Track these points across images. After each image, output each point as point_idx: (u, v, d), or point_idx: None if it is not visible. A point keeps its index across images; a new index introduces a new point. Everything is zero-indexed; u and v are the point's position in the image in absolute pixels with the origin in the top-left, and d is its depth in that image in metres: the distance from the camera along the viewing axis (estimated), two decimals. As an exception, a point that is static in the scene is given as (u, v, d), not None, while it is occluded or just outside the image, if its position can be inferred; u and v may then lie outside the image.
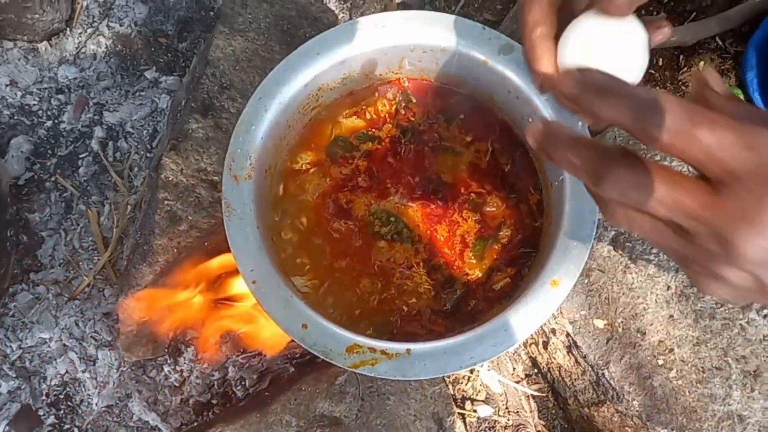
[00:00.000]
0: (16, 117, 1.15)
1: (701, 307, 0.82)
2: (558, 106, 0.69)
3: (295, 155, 0.76)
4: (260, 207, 0.70)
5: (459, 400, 0.92)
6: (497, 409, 0.93)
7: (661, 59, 1.14)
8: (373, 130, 0.76)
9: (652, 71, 1.14)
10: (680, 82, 1.13)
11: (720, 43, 1.14)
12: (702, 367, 0.80)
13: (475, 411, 0.92)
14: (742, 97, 1.11)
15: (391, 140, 0.76)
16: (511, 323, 0.64)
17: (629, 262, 0.84)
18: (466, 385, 0.94)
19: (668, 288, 0.83)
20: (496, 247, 0.74)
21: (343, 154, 0.76)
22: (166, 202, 0.83)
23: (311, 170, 0.75)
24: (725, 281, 0.38)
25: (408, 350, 0.65)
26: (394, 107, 0.77)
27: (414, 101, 0.77)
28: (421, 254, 0.74)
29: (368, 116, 0.77)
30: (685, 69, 1.13)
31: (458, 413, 0.85)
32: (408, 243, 0.74)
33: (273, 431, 0.79)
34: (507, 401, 0.94)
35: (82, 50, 1.19)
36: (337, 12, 1.13)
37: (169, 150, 0.83)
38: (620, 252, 0.85)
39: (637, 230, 0.41)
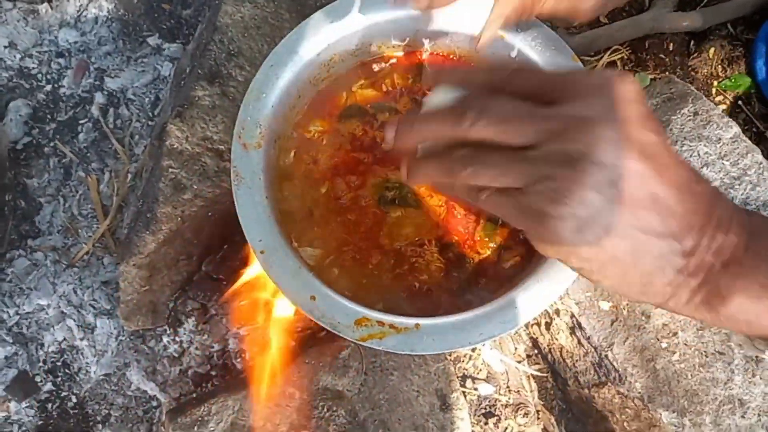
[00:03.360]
0: (14, 80, 1.13)
1: (706, 291, 0.82)
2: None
3: (306, 124, 0.74)
4: (269, 176, 0.69)
5: (460, 378, 0.92)
6: (498, 387, 0.93)
7: (672, 44, 1.13)
8: (390, 102, 0.75)
9: (663, 56, 1.13)
10: (690, 68, 1.12)
11: (731, 29, 1.13)
12: (705, 352, 0.80)
13: (476, 389, 0.92)
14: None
15: (407, 113, 0.75)
16: (521, 301, 0.64)
17: (636, 245, 0.84)
18: (467, 363, 0.94)
19: (674, 272, 0.83)
20: (508, 227, 0.73)
21: (358, 123, 0.74)
22: (170, 169, 0.82)
23: (323, 139, 0.74)
24: (572, 207, 0.39)
25: (417, 325, 0.64)
26: (410, 80, 0.76)
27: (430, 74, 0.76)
28: (432, 231, 0.73)
29: (384, 88, 0.76)
30: (696, 54, 1.13)
31: (460, 387, 0.85)
32: (414, 208, 0.73)
33: (276, 402, 0.79)
34: (508, 380, 0.94)
35: (84, 13, 1.16)
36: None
37: (174, 117, 0.82)
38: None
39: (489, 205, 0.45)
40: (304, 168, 0.74)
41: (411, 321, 0.64)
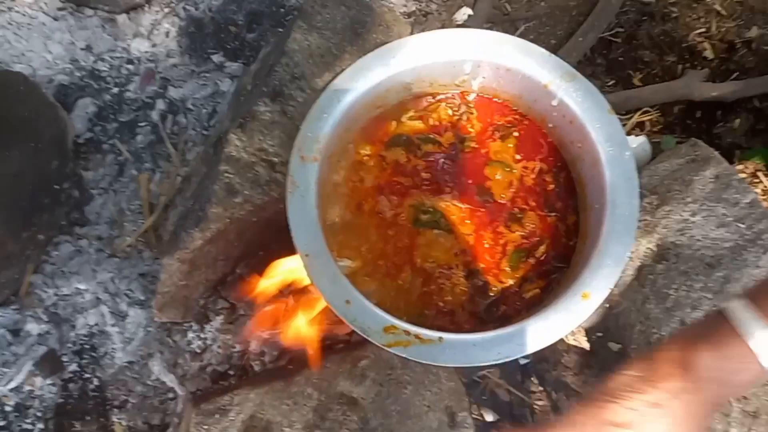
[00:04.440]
0: (85, 80, 1.22)
1: (713, 345, 0.86)
2: (609, 134, 0.74)
3: (358, 146, 0.81)
4: (320, 189, 0.76)
5: (469, 402, 0.96)
6: (502, 416, 0.97)
7: (699, 112, 1.19)
8: (435, 135, 0.82)
9: (689, 122, 1.19)
10: (715, 136, 1.19)
11: (758, 104, 1.20)
12: (707, 402, 0.84)
13: (481, 415, 0.96)
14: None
15: (450, 146, 0.82)
16: (540, 327, 0.69)
17: (650, 293, 0.89)
18: (476, 389, 0.98)
19: (682, 323, 0.87)
20: (531, 261, 0.79)
21: (403, 151, 0.81)
22: (226, 174, 0.89)
23: (371, 161, 0.81)
24: None
25: (440, 338, 0.69)
26: (456, 117, 0.83)
27: (475, 114, 0.83)
28: (460, 257, 0.79)
29: (431, 122, 0.83)
30: (722, 124, 1.19)
31: (468, 409, 0.89)
32: (446, 231, 0.79)
33: (295, 401, 0.84)
34: (512, 410, 0.98)
35: (157, 27, 1.26)
36: (405, 23, 1.20)
37: (236, 127, 0.89)
38: (642, 284, 0.90)
39: None
40: (352, 185, 0.81)
41: (435, 334, 0.70)
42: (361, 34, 0.96)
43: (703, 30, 1.23)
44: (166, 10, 1.26)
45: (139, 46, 1.24)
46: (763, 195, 1.14)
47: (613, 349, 0.88)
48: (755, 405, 0.84)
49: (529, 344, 0.69)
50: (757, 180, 1.16)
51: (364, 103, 0.80)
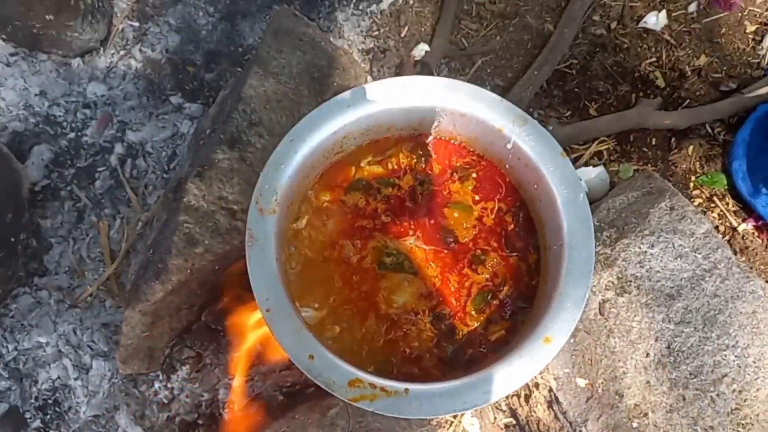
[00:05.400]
0: (41, 125, 1.20)
1: (676, 376, 0.87)
2: (563, 177, 0.76)
3: (318, 193, 0.81)
4: (280, 240, 0.75)
5: (441, 443, 0.96)
6: (476, 455, 0.97)
7: (654, 139, 1.22)
8: (394, 178, 0.82)
9: (645, 149, 1.22)
10: (670, 162, 1.21)
11: (710, 130, 1.23)
12: (673, 433, 0.85)
13: (455, 455, 0.96)
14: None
15: (409, 189, 0.82)
16: (504, 374, 0.69)
17: (613, 326, 0.90)
18: (448, 429, 0.98)
19: (647, 355, 0.89)
20: (495, 302, 0.79)
21: (362, 195, 0.82)
22: (185, 224, 0.87)
23: (332, 207, 0.81)
24: None
25: (406, 390, 0.69)
26: (414, 160, 0.84)
27: (433, 156, 0.84)
28: (426, 301, 0.79)
29: (390, 166, 0.83)
30: (676, 150, 1.22)
31: (441, 455, 0.88)
32: (411, 274, 0.79)
33: (264, 455, 0.82)
34: (486, 448, 0.98)
35: (113, 70, 1.24)
36: (361, 62, 1.20)
37: (194, 176, 0.88)
38: (605, 317, 0.91)
39: None
40: (314, 232, 0.80)
41: (401, 386, 0.69)
42: (318, 78, 0.96)
43: (654, 59, 1.26)
44: (122, 52, 1.25)
45: (95, 90, 1.22)
46: (719, 219, 1.17)
47: (580, 385, 0.88)
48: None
49: (495, 392, 0.69)
50: (713, 204, 1.18)
51: (323, 151, 0.80)
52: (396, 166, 0.84)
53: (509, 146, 0.79)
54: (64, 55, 1.22)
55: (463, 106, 0.79)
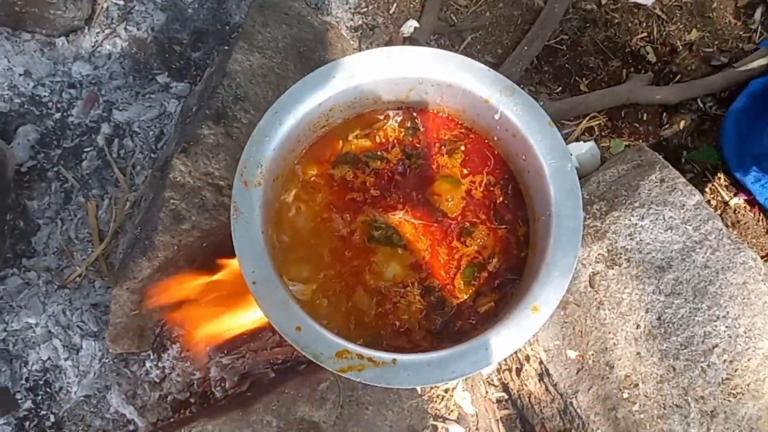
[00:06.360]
0: (26, 106, 1.19)
1: (667, 347, 0.87)
2: (550, 147, 0.75)
3: (305, 167, 0.80)
4: (266, 213, 0.75)
5: (432, 418, 0.96)
6: (468, 429, 0.97)
7: (645, 115, 1.22)
8: (382, 152, 0.82)
9: (637, 125, 1.21)
10: (662, 137, 1.21)
11: (701, 105, 1.23)
12: (663, 404, 0.85)
13: (446, 429, 0.96)
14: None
15: (397, 163, 0.81)
16: (492, 343, 0.69)
17: (603, 299, 0.90)
18: (440, 403, 0.98)
19: (637, 326, 0.89)
20: (484, 274, 0.79)
21: (350, 169, 0.81)
22: (171, 201, 0.87)
23: (321, 181, 0.80)
24: None
25: (394, 360, 0.69)
26: (402, 133, 0.83)
27: (421, 130, 0.83)
28: (416, 274, 0.79)
29: (378, 139, 0.82)
30: (668, 126, 1.21)
31: (432, 425, 0.88)
32: (400, 247, 0.79)
33: (254, 429, 0.82)
34: (478, 423, 0.98)
35: (98, 49, 1.23)
36: (349, 39, 1.19)
37: (179, 152, 0.87)
38: (595, 289, 0.91)
39: None
40: (303, 205, 0.79)
41: (389, 356, 0.69)
42: (304, 52, 0.95)
43: (645, 34, 1.25)
44: (107, 31, 1.23)
45: (80, 69, 1.21)
46: (711, 193, 1.17)
47: (571, 357, 0.88)
48: (712, 404, 0.85)
49: (483, 361, 0.68)
50: (705, 179, 1.18)
51: (308, 124, 0.79)
52: (384, 140, 0.83)
53: (497, 117, 0.78)
54: (48, 35, 1.21)
55: (450, 77, 0.78)
